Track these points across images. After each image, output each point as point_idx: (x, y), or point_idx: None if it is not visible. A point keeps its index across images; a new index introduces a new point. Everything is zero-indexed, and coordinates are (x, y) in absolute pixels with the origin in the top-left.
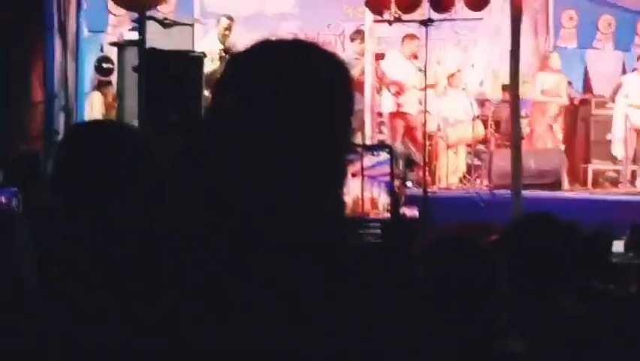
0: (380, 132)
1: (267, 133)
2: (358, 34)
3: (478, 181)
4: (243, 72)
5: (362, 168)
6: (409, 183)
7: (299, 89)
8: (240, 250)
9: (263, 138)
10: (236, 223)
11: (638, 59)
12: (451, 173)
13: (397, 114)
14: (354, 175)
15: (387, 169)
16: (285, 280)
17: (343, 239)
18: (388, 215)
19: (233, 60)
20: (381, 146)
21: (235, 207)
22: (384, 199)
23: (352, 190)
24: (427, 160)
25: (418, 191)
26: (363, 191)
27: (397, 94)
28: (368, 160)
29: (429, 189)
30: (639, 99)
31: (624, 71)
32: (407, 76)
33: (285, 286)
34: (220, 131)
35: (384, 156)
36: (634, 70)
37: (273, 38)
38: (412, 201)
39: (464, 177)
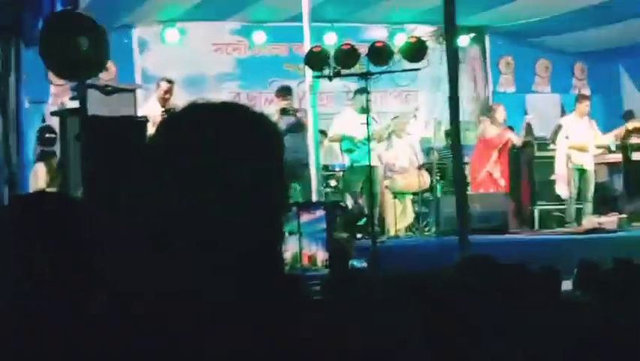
0: (327, 186)
1: (198, 195)
2: (284, 91)
3: (427, 228)
4: (172, 136)
5: (299, 226)
6: (358, 235)
7: (229, 151)
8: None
9: (195, 199)
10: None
11: (576, 101)
12: (399, 222)
13: (351, 167)
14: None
15: (324, 226)
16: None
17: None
18: (326, 271)
19: (164, 125)
20: (318, 203)
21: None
22: (322, 255)
23: (290, 247)
24: (375, 210)
25: (368, 242)
26: (302, 248)
27: (349, 150)
28: (306, 217)
29: (378, 240)
30: (579, 140)
31: (563, 113)
32: (360, 130)
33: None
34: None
35: (320, 212)
36: (572, 111)
37: (201, 101)
38: (361, 252)
39: (412, 225)
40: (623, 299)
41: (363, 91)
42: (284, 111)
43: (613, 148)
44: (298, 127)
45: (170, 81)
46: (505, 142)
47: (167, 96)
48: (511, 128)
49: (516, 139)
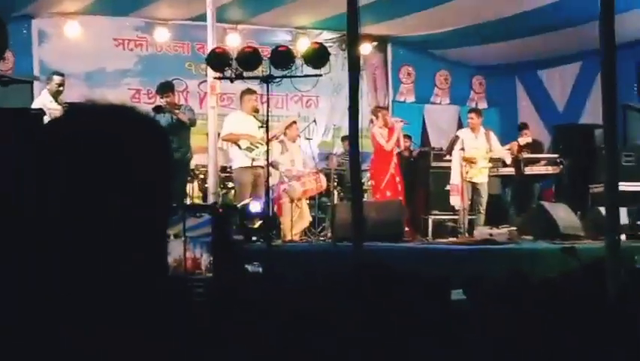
0: (225, 188)
1: (81, 196)
2: (164, 88)
3: (322, 233)
4: (57, 136)
5: (184, 229)
6: (254, 238)
7: (113, 152)
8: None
9: (78, 201)
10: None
11: (468, 113)
12: (295, 226)
13: (248, 168)
14: (176, 236)
15: (209, 230)
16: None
17: (171, 296)
18: (210, 274)
19: (48, 125)
20: (204, 207)
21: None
22: (206, 259)
23: (174, 251)
24: (271, 214)
25: (263, 245)
26: (186, 252)
27: (248, 149)
28: (191, 221)
29: (273, 243)
30: (472, 153)
31: (460, 125)
32: (252, 131)
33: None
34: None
35: (206, 216)
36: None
37: (90, 101)
38: (255, 256)
39: (309, 229)
40: (514, 310)
41: (250, 92)
42: (158, 109)
43: (508, 162)
44: (175, 125)
45: (62, 75)
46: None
47: (60, 89)
48: (408, 137)
49: (401, 141)
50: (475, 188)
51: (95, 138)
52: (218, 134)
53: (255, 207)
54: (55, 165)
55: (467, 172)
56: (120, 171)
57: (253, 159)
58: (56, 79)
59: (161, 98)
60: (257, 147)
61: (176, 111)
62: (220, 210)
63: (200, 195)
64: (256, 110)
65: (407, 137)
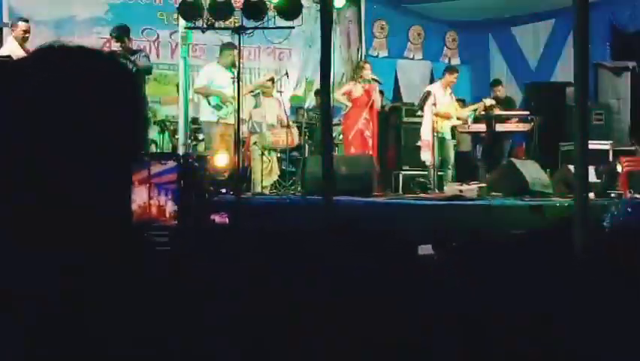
0: (195, 139)
1: (49, 140)
2: (117, 32)
3: (292, 187)
4: (25, 79)
5: (149, 176)
6: (222, 190)
7: (83, 95)
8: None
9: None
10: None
11: (450, 72)
12: (265, 179)
13: (214, 123)
14: (141, 183)
15: (175, 177)
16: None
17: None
18: (175, 222)
19: (17, 66)
20: (169, 154)
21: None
22: (170, 207)
23: (139, 198)
24: (241, 166)
25: (232, 197)
26: (150, 198)
27: (217, 106)
28: (156, 168)
29: (242, 195)
30: (444, 108)
31: (432, 81)
32: (225, 86)
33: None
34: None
35: (172, 164)
36: (440, 80)
37: (57, 44)
38: (223, 207)
39: (279, 182)
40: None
41: (230, 46)
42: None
43: (470, 122)
44: None
45: (26, 20)
46: (373, 101)
47: (26, 36)
48: (381, 92)
49: (378, 101)
50: (443, 144)
51: (64, 76)
52: (190, 86)
53: (224, 159)
54: (31, 104)
55: (441, 128)
56: (88, 110)
57: (220, 117)
58: (22, 25)
59: (116, 42)
60: (226, 106)
61: (132, 57)
62: (189, 159)
63: (170, 146)
64: (234, 65)
65: (379, 92)
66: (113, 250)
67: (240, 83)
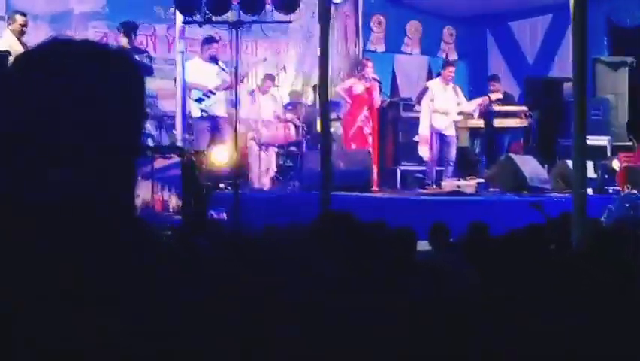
0: (191, 134)
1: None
2: (123, 28)
3: (290, 182)
4: (30, 71)
5: (152, 171)
6: (221, 185)
7: (86, 89)
8: None
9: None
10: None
11: (448, 66)
12: (263, 174)
13: (200, 118)
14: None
15: (178, 172)
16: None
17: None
18: (179, 217)
19: (22, 58)
20: (172, 148)
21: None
22: (174, 202)
23: (142, 193)
24: (238, 162)
25: (230, 192)
26: (154, 193)
27: (198, 100)
28: (160, 163)
29: (241, 191)
30: (442, 104)
31: (430, 76)
32: (208, 80)
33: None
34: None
35: (175, 159)
36: (438, 75)
37: (61, 37)
38: (221, 202)
39: (276, 178)
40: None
41: (211, 40)
42: None
43: (476, 115)
44: None
45: (24, 14)
46: (373, 100)
47: (23, 30)
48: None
49: (378, 100)
50: (442, 139)
51: (73, 68)
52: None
53: (222, 155)
54: (34, 97)
55: (435, 124)
56: (95, 104)
57: (203, 110)
58: (19, 19)
59: (123, 37)
60: (207, 97)
61: (138, 56)
62: (189, 154)
63: (168, 141)
64: (214, 59)
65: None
66: (116, 245)
67: (219, 76)
